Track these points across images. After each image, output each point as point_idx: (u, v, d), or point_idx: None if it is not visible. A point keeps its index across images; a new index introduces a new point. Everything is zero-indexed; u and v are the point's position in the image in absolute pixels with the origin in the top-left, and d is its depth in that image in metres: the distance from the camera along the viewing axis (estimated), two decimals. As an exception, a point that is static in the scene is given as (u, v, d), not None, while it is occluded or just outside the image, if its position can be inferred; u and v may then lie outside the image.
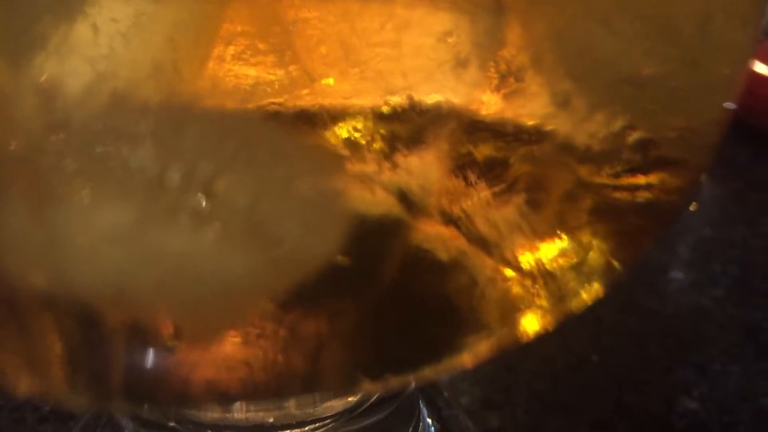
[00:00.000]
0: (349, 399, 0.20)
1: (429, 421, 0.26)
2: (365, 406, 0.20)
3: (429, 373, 0.13)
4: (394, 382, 0.12)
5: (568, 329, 0.34)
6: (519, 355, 0.33)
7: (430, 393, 0.28)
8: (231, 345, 0.12)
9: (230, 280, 0.11)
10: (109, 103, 0.10)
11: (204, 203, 0.11)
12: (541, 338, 0.35)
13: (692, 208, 0.44)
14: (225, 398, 0.12)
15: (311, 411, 0.19)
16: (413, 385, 0.24)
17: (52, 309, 0.11)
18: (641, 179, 0.15)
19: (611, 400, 0.31)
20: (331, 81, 0.13)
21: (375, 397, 0.21)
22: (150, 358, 0.12)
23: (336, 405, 0.20)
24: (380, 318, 0.13)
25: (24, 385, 0.12)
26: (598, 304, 0.38)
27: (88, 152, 0.10)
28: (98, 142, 0.10)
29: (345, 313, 0.13)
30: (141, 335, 0.12)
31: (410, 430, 0.24)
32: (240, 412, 0.18)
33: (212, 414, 0.18)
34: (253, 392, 0.12)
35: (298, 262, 0.12)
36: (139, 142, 0.10)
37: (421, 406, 0.26)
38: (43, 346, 0.12)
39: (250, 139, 0.11)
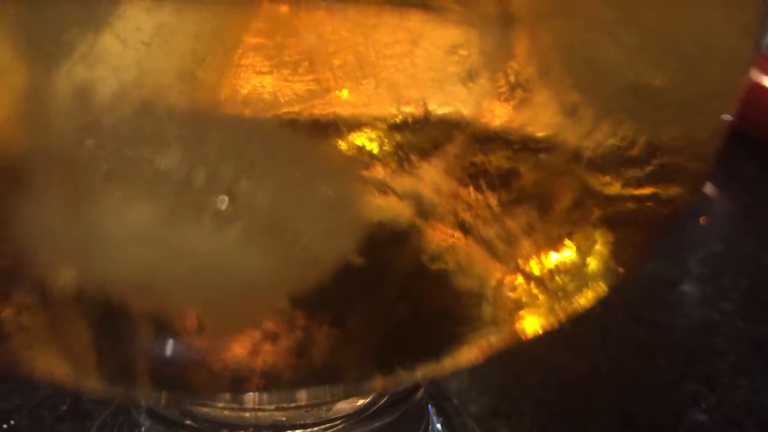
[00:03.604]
0: (359, 402, 0.20)
1: (438, 427, 0.26)
2: (374, 408, 0.21)
3: (436, 368, 0.13)
4: (403, 376, 0.13)
5: (577, 340, 0.35)
6: (527, 364, 0.33)
7: (439, 400, 0.28)
8: (250, 338, 0.12)
9: (250, 277, 0.12)
10: (136, 109, 0.11)
11: (226, 204, 0.11)
12: (550, 348, 0.35)
13: (702, 221, 0.44)
14: (242, 389, 0.13)
15: (322, 413, 0.20)
16: (422, 391, 0.24)
17: (83, 300, 0.12)
18: (644, 187, 0.15)
19: (619, 411, 0.31)
20: (345, 92, 0.13)
21: (384, 401, 0.21)
22: (173, 348, 0.12)
23: (345, 407, 0.20)
24: (391, 316, 0.13)
25: (56, 373, 0.12)
26: (607, 316, 0.38)
27: (118, 154, 0.11)
28: (128, 144, 0.11)
29: (358, 311, 0.13)
30: (165, 327, 0.12)
31: (419, 435, 0.24)
32: (254, 408, 0.18)
33: (228, 413, 0.19)
34: (269, 383, 0.13)
35: (314, 261, 0.12)
36: (166, 146, 0.11)
37: (431, 412, 0.26)
38: (74, 335, 0.12)
39: (269, 145, 0.12)
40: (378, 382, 0.13)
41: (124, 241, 0.11)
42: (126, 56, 0.12)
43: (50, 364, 0.12)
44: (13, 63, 0.11)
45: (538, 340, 0.34)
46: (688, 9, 0.14)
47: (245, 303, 0.12)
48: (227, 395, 0.12)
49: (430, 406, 0.26)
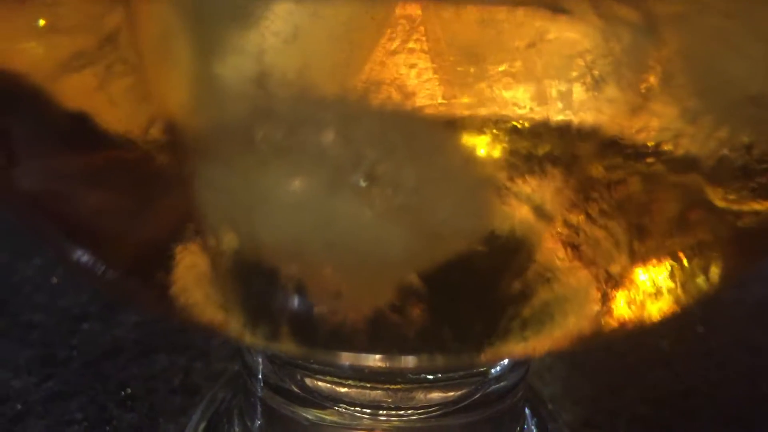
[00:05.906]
0: (453, 393, 0.21)
1: (534, 429, 0.27)
2: (470, 400, 0.21)
3: (527, 349, 0.14)
4: (502, 352, 0.14)
5: (677, 360, 0.34)
6: (623, 379, 0.33)
7: (534, 403, 0.28)
8: (378, 306, 0.14)
9: (385, 251, 0.13)
10: (298, 95, 0.12)
11: (368, 183, 0.12)
12: (648, 366, 0.34)
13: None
14: (365, 349, 0.14)
15: (421, 398, 0.21)
16: (521, 393, 0.24)
17: (240, 257, 0.14)
18: (753, 201, 0.15)
19: (717, 432, 0.30)
20: (467, 93, 0.14)
21: (479, 394, 0.22)
22: (311, 308, 0.14)
23: (441, 396, 0.21)
24: (500, 301, 0.14)
25: (213, 320, 0.14)
26: (711, 339, 0.37)
27: (283, 132, 0.12)
28: (291, 125, 0.12)
29: (472, 293, 0.14)
30: (308, 288, 0.14)
31: (513, 435, 0.25)
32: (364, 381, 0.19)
33: (336, 388, 0.20)
34: (386, 347, 0.14)
35: (442, 242, 0.13)
36: (323, 128, 0.12)
37: (528, 416, 0.27)
38: (229, 287, 0.14)
39: (408, 134, 0.13)
40: (484, 356, 0.14)
41: (283, 207, 0.13)
42: (283, 52, 0.13)
43: (210, 313, 0.14)
44: (191, 56, 0.13)
45: (636, 357, 0.34)
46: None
47: (378, 274, 0.13)
48: (350, 356, 0.14)
49: (526, 408, 0.27)
